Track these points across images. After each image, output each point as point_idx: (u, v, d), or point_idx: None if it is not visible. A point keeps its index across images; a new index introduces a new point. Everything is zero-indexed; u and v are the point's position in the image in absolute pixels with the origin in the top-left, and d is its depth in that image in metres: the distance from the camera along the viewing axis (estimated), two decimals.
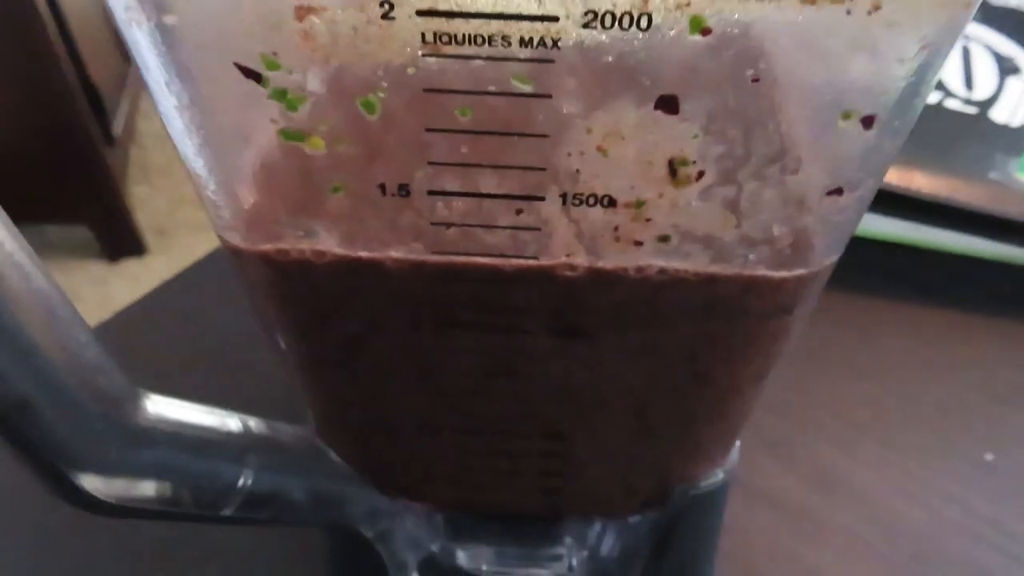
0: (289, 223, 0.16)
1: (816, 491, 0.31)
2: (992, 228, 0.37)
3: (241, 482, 0.20)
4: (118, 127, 1.37)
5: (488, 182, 0.15)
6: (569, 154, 0.14)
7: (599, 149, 0.14)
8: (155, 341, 0.37)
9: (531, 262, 0.16)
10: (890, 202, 0.37)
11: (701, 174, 0.15)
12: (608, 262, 0.16)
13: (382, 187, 0.15)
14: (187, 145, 0.16)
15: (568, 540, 0.27)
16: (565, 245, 0.16)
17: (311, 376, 0.20)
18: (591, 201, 0.15)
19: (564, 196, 0.15)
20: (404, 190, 0.15)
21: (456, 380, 0.20)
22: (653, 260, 0.16)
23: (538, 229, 0.16)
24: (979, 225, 0.37)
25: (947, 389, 0.35)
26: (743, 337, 0.18)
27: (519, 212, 0.16)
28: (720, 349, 0.18)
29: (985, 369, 0.35)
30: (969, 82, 0.43)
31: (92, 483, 0.17)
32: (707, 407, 0.20)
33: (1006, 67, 0.44)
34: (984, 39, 0.45)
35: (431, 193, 0.15)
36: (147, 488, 0.18)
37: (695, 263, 0.16)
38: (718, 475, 0.23)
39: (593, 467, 0.22)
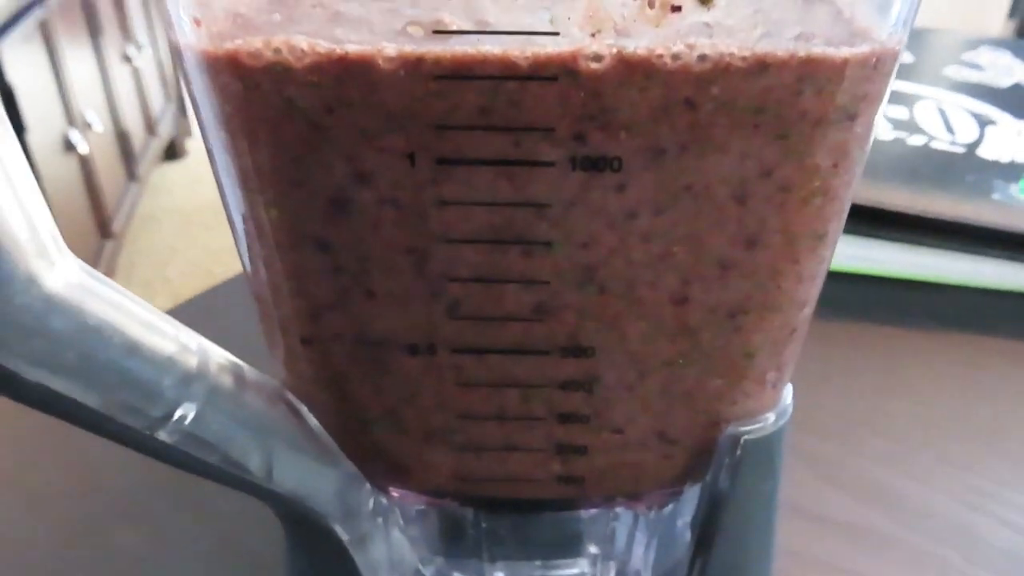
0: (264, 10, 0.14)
1: (873, 507, 0.27)
2: (1002, 245, 0.35)
3: (179, 413, 0.16)
4: None
5: None
6: None
7: None
8: None
9: (550, 51, 0.14)
10: (902, 225, 0.36)
11: None
12: (640, 44, 0.14)
13: None
14: None
15: (592, 549, 0.22)
16: (590, 14, 0.14)
17: (283, 266, 0.17)
18: None
19: None
20: None
21: (458, 259, 0.16)
22: (693, 38, 0.14)
23: None
24: (989, 243, 0.35)
25: (997, 408, 0.31)
26: (799, 163, 0.15)
27: None
28: (772, 185, 0.15)
29: None
30: (951, 130, 0.43)
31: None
32: (759, 287, 0.17)
33: (983, 120, 0.44)
34: (957, 103, 0.46)
35: None
36: (64, 365, 0.14)
37: (742, 38, 0.14)
38: (769, 418, 0.20)
39: (624, 404, 0.18)
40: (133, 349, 0.15)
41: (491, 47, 0.14)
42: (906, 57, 0.53)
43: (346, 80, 0.14)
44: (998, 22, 2.59)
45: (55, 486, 0.28)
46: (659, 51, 0.14)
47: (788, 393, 0.20)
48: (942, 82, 0.49)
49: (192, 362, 0.17)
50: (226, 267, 1.67)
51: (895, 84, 0.50)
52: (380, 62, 0.14)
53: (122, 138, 1.69)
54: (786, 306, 0.17)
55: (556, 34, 0.14)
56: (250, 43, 0.14)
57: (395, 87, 0.14)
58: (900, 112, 0.44)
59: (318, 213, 0.16)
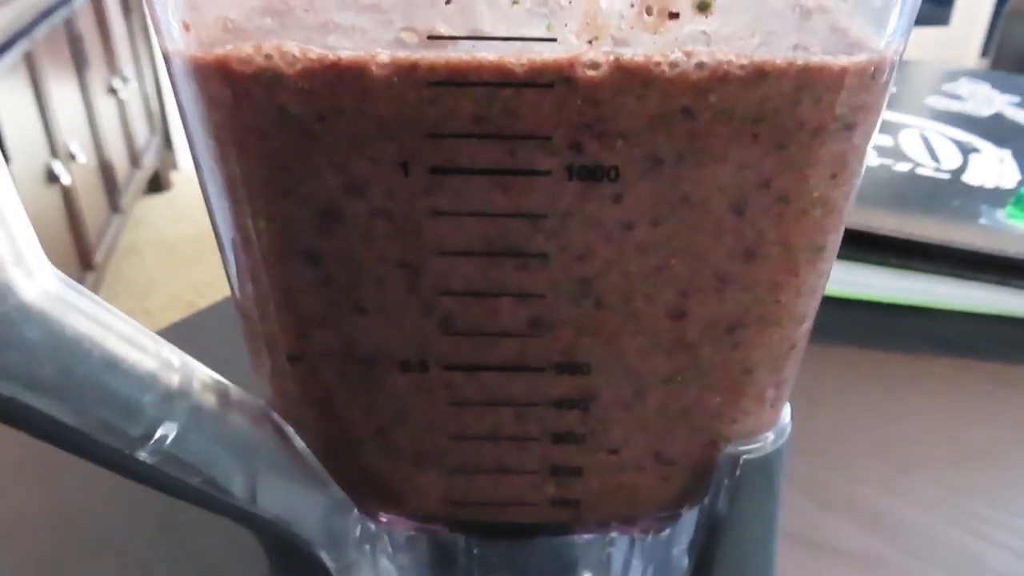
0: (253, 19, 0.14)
1: (872, 534, 0.26)
2: (990, 269, 0.35)
3: (160, 432, 0.15)
4: None
5: None
6: None
7: None
8: None
9: (546, 57, 0.14)
10: (891, 250, 0.36)
11: None
12: (637, 51, 0.14)
13: None
14: None
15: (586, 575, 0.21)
16: (587, 21, 0.14)
17: (270, 280, 0.16)
18: None
19: None
20: None
21: (451, 271, 0.16)
22: (691, 46, 0.14)
23: None
24: (977, 267, 0.35)
25: (990, 432, 0.31)
26: (798, 174, 0.15)
27: None
28: (770, 196, 0.15)
29: None
30: (935, 157, 0.43)
31: None
32: (758, 301, 0.17)
33: (966, 148, 0.45)
34: (939, 131, 0.47)
35: None
36: (39, 379, 0.13)
37: (739, 47, 0.14)
38: (768, 438, 0.19)
39: (621, 423, 0.18)
40: (112, 364, 0.15)
41: (486, 54, 0.14)
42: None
43: (338, 87, 0.14)
44: (972, 59, 2.66)
45: (26, 516, 0.27)
46: (657, 59, 0.14)
47: (787, 412, 0.20)
48: (924, 111, 0.50)
49: (174, 379, 0.16)
50: (208, 300, 1.65)
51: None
52: (373, 68, 0.14)
53: (106, 170, 1.68)
54: (785, 320, 0.17)
55: (553, 40, 0.14)
56: (240, 49, 0.14)
57: (388, 94, 0.14)
58: (885, 140, 0.45)
59: (308, 224, 0.16)
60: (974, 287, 0.36)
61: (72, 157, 1.46)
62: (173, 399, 0.16)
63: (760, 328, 0.17)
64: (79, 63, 1.57)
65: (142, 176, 1.93)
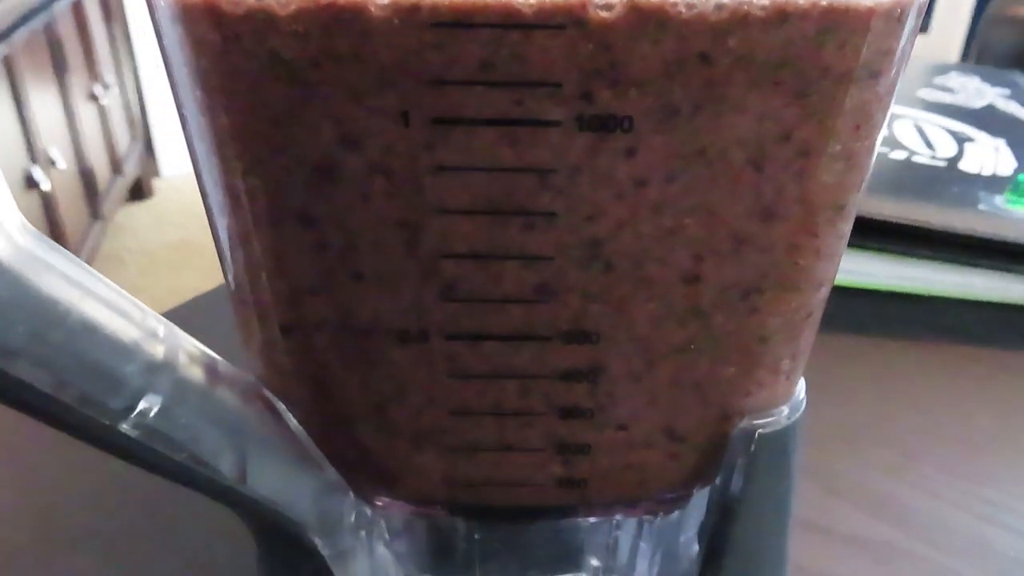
0: None
1: (882, 520, 0.25)
2: (990, 255, 0.35)
3: (143, 405, 0.14)
4: None
5: None
6: None
7: None
8: None
9: None
10: (892, 236, 0.35)
11: None
12: None
13: None
14: None
15: (593, 562, 0.21)
16: None
17: (261, 245, 0.15)
18: None
19: None
20: None
21: (453, 233, 0.15)
22: None
23: None
24: (977, 253, 0.35)
25: (995, 419, 0.30)
26: (820, 124, 0.14)
27: None
28: (792, 149, 0.14)
29: None
30: (930, 146, 0.43)
31: None
32: (775, 264, 0.16)
33: (960, 137, 0.44)
34: (933, 121, 0.46)
35: None
36: (8, 341, 0.12)
37: None
38: (783, 412, 0.18)
39: (630, 397, 0.17)
40: (91, 330, 0.14)
41: None
42: None
43: (335, 30, 0.13)
44: (953, 58, 2.68)
45: (2, 507, 0.26)
46: None
47: (802, 387, 0.19)
48: (917, 103, 0.50)
49: (159, 350, 0.15)
50: None
51: None
52: (372, 9, 0.13)
53: (86, 176, 1.66)
54: (803, 285, 0.16)
55: None
56: None
57: (388, 37, 0.13)
58: None
59: (301, 182, 0.15)
60: (975, 274, 0.36)
61: (52, 163, 1.44)
62: (157, 370, 0.15)
63: (777, 293, 0.16)
64: (59, 68, 1.55)
65: (123, 183, 1.91)
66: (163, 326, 0.15)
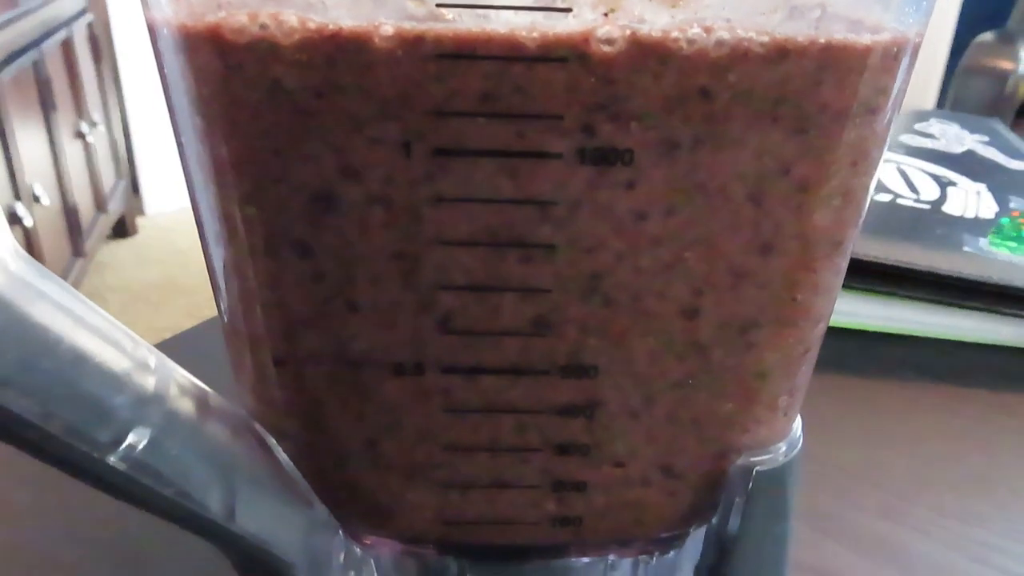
0: None
1: (876, 561, 0.25)
2: (975, 297, 0.35)
3: (132, 438, 0.14)
4: None
5: None
6: None
7: None
8: None
9: (559, 31, 0.13)
10: (878, 277, 0.35)
11: None
12: (655, 26, 0.13)
13: None
14: None
15: None
16: None
17: (257, 275, 0.15)
18: None
19: None
20: None
21: (451, 264, 0.15)
22: (711, 21, 0.13)
23: None
24: (962, 294, 0.35)
25: (985, 459, 0.30)
26: (818, 160, 0.14)
27: None
28: (790, 184, 0.15)
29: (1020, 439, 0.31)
30: (914, 189, 0.43)
31: None
32: (774, 299, 0.16)
33: (943, 181, 0.45)
34: (915, 165, 0.47)
35: None
36: (2, 368, 0.12)
37: (762, 22, 0.13)
38: (780, 449, 0.18)
39: (627, 433, 0.17)
40: (82, 359, 0.13)
41: (496, 26, 0.13)
42: None
43: (338, 60, 0.13)
44: (929, 108, 2.74)
45: None
46: (675, 34, 0.13)
47: (799, 424, 0.19)
48: (899, 148, 0.51)
49: (150, 381, 0.15)
50: None
51: None
52: (376, 40, 0.13)
53: (70, 213, 1.64)
54: (801, 320, 0.16)
55: (568, 11, 0.13)
56: (234, 17, 0.13)
57: (391, 69, 0.13)
58: None
59: (299, 212, 0.15)
60: (960, 315, 0.36)
61: (36, 199, 1.43)
62: (147, 403, 0.14)
63: (775, 329, 0.16)
64: (46, 106, 1.55)
65: (107, 221, 1.90)
66: (154, 357, 0.15)
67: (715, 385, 0.17)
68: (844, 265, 0.17)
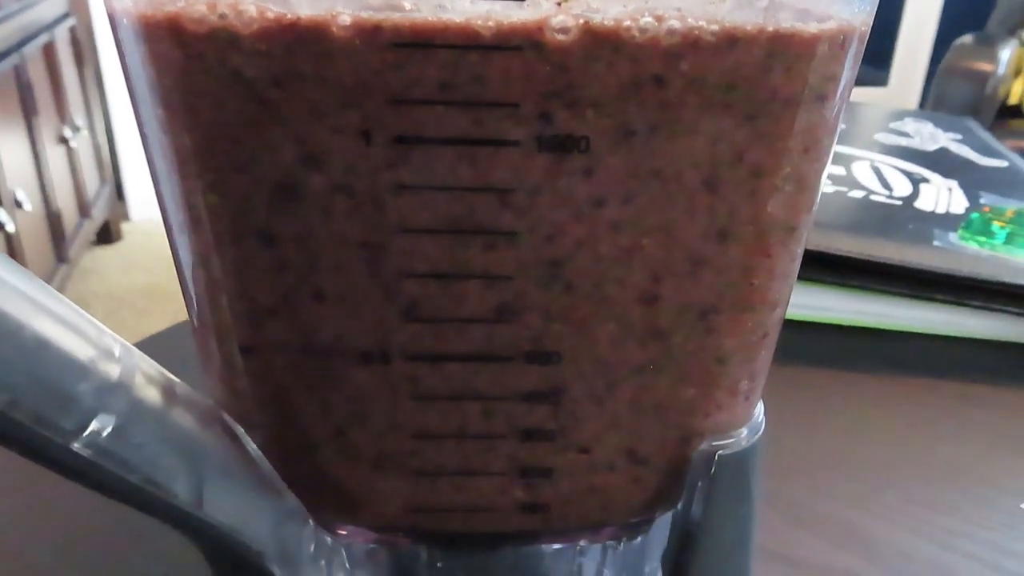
0: None
1: (845, 548, 0.25)
2: (945, 290, 0.36)
3: (96, 425, 0.14)
4: None
5: None
6: None
7: None
8: None
9: (514, 19, 0.13)
10: (851, 271, 0.36)
11: None
12: (607, 15, 0.13)
13: None
14: None
15: None
16: None
17: (222, 264, 0.15)
18: None
19: None
20: None
21: (415, 252, 0.15)
22: (662, 10, 0.13)
23: None
24: (933, 288, 0.36)
25: (952, 449, 0.31)
26: (770, 146, 0.15)
27: None
28: (744, 170, 0.15)
29: (991, 431, 0.32)
30: (887, 186, 0.44)
31: None
32: (731, 284, 0.16)
33: (916, 178, 0.46)
34: (889, 163, 0.48)
35: None
36: None
37: (711, 11, 0.14)
38: (742, 434, 0.18)
39: (592, 419, 0.17)
40: (44, 346, 0.13)
41: (453, 17, 0.13)
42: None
43: (297, 49, 0.13)
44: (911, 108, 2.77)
45: None
46: (627, 23, 0.13)
47: (760, 410, 0.19)
48: (874, 146, 0.51)
49: (114, 370, 0.15)
50: None
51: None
52: (334, 30, 0.13)
53: (53, 219, 1.64)
54: (758, 305, 0.17)
55: (522, 1, 0.13)
56: (193, 7, 0.13)
57: (350, 57, 0.13)
58: (838, 169, 0.46)
59: (262, 201, 0.15)
60: (930, 309, 0.37)
61: (18, 205, 1.42)
62: (112, 390, 0.15)
63: (734, 314, 0.17)
64: (28, 111, 1.54)
65: (91, 226, 1.89)
66: (119, 346, 0.15)
67: (676, 370, 0.17)
68: (799, 251, 0.17)
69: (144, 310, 1.82)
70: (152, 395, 0.16)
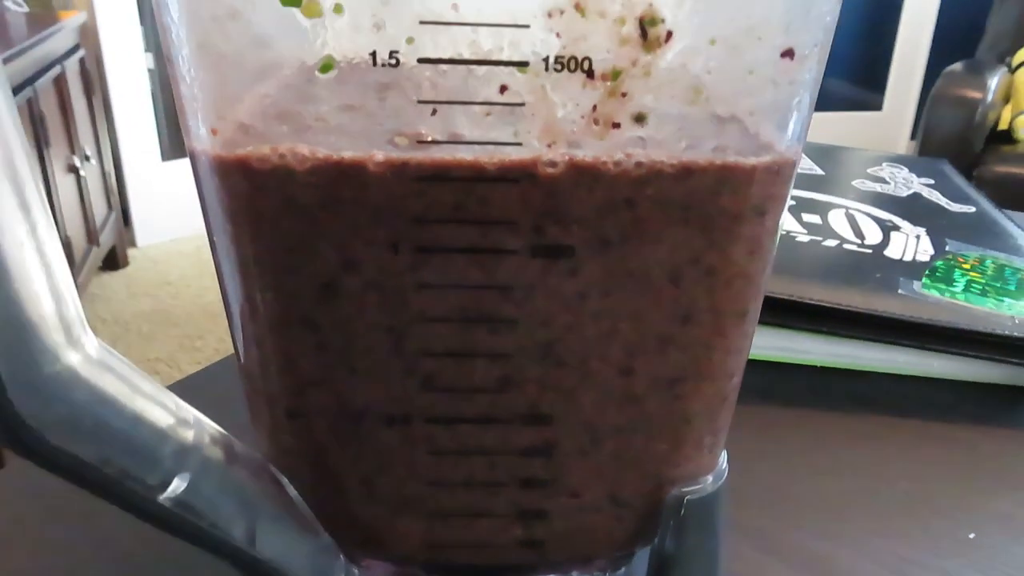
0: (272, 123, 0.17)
1: (810, 575, 0.28)
2: (909, 335, 0.39)
3: (176, 481, 0.18)
4: None
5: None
6: (550, 15, 0.16)
7: (577, 8, 0.16)
8: None
9: (513, 157, 0.17)
10: (821, 318, 0.39)
11: (669, 35, 0.16)
12: (587, 153, 0.17)
13: (373, 55, 0.16)
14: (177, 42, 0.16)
15: None
16: (547, 129, 0.17)
17: (274, 345, 0.19)
18: (571, 66, 0.16)
19: (546, 61, 0.16)
20: (393, 58, 0.16)
21: (432, 336, 0.18)
22: (631, 149, 0.17)
23: (521, 104, 0.16)
24: (897, 333, 0.39)
25: (912, 483, 0.34)
26: (721, 252, 0.18)
27: (503, 89, 0.16)
28: (700, 269, 0.18)
29: (945, 467, 0.35)
30: (859, 235, 0.47)
31: (27, 403, 0.15)
32: (694, 359, 0.19)
33: (887, 225, 0.49)
34: (864, 211, 0.51)
35: (420, 61, 0.16)
36: (80, 430, 0.15)
37: (670, 149, 0.17)
38: (707, 480, 0.22)
39: (580, 469, 0.20)
40: (139, 420, 0.17)
41: (464, 155, 0.17)
42: (819, 172, 0.59)
43: (340, 181, 0.17)
44: (903, 141, 2.82)
45: None
46: (603, 159, 0.17)
47: (724, 459, 0.22)
48: (850, 192, 0.55)
49: (189, 435, 0.18)
50: (163, 376, 1.64)
51: (811, 194, 0.55)
52: (370, 166, 0.17)
53: (63, 247, 1.67)
54: (717, 376, 0.20)
55: (519, 144, 0.17)
56: (259, 149, 0.17)
57: (382, 187, 0.17)
58: (814, 219, 0.49)
59: (308, 296, 0.18)
60: (895, 351, 0.40)
61: None
62: (187, 452, 0.18)
63: (696, 383, 0.20)
64: (40, 142, 1.58)
65: (98, 253, 1.93)
66: (192, 413, 0.19)
67: (650, 429, 0.20)
68: (751, 329, 0.20)
69: (150, 335, 1.85)
70: (216, 454, 0.19)
